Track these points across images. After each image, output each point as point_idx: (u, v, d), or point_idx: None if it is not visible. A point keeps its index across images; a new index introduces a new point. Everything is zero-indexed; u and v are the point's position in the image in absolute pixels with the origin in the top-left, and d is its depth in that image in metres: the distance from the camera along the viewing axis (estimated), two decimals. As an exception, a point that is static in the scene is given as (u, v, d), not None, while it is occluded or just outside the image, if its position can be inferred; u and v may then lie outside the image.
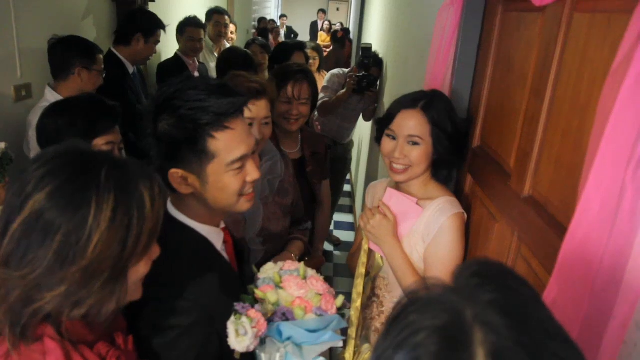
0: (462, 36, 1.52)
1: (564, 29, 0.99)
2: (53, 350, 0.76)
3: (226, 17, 4.15)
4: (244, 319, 1.01)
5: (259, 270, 1.26)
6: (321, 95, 3.29)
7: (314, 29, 13.36)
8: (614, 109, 0.66)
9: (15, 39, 2.20)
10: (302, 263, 1.23)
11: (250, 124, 1.53)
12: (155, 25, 2.84)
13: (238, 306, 1.04)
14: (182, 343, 1.02)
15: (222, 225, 1.21)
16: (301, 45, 3.13)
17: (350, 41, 7.49)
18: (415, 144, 1.35)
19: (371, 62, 3.29)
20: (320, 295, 1.11)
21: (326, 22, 12.72)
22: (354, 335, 1.47)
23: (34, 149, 1.95)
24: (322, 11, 13.90)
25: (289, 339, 1.07)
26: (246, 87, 1.50)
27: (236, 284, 1.19)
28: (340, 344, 1.17)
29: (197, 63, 3.60)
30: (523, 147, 1.15)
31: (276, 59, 2.98)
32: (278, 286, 1.13)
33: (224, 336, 1.02)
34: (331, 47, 7.56)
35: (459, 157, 1.46)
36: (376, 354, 0.47)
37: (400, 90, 2.67)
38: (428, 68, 1.68)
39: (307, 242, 1.93)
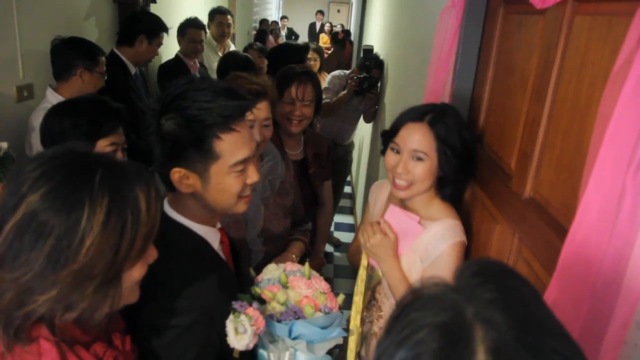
0: (463, 38, 1.52)
1: (564, 32, 1.00)
2: (48, 351, 0.76)
3: (229, 17, 4.15)
4: (242, 317, 1.02)
5: (256, 273, 1.27)
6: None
7: (312, 30, 13.40)
8: (615, 111, 0.67)
9: (18, 40, 2.21)
10: (307, 264, 1.24)
11: (251, 126, 1.53)
12: (159, 28, 2.86)
13: (236, 305, 1.05)
14: (181, 343, 1.02)
15: (219, 225, 1.21)
16: (307, 47, 3.14)
17: (351, 43, 7.51)
18: (419, 159, 1.28)
19: (372, 63, 3.30)
20: (325, 293, 1.13)
21: (327, 24, 12.75)
22: (354, 349, 1.41)
23: (35, 150, 1.95)
24: (320, 12, 13.95)
25: (296, 337, 1.08)
26: (247, 89, 1.51)
27: (234, 283, 1.20)
28: (341, 341, 1.18)
29: (198, 64, 3.61)
30: (524, 149, 1.15)
31: (283, 60, 2.92)
32: (285, 286, 1.14)
33: (223, 335, 1.02)
34: (332, 49, 7.58)
35: (467, 176, 1.38)
36: (378, 352, 0.48)
37: (401, 91, 2.68)
38: (429, 70, 1.68)
39: (308, 242, 1.94)
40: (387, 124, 3.00)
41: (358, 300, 1.40)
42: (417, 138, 1.28)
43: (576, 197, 0.77)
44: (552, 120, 1.03)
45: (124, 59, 2.80)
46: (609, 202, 0.69)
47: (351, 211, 5.07)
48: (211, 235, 1.16)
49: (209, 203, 1.09)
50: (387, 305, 1.45)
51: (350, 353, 1.38)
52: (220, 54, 4.11)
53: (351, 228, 4.68)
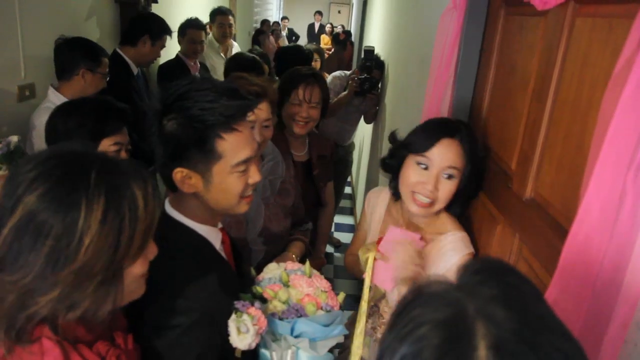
0: (464, 40, 1.52)
1: (565, 34, 1.00)
2: (51, 350, 0.76)
3: (230, 17, 4.15)
4: (244, 316, 1.02)
5: (257, 272, 1.27)
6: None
7: (311, 30, 13.42)
8: (615, 113, 0.67)
9: (20, 39, 2.21)
10: (307, 262, 1.24)
11: (252, 127, 1.54)
12: (163, 30, 2.88)
13: (238, 304, 1.05)
14: (183, 342, 1.02)
15: (220, 225, 1.22)
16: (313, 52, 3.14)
17: (352, 44, 7.52)
18: (450, 176, 1.25)
19: (373, 64, 3.30)
20: (326, 292, 1.13)
21: (328, 25, 12.77)
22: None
23: (36, 149, 1.95)
24: (319, 13, 13.98)
25: (298, 335, 1.09)
26: (247, 90, 1.51)
27: (236, 283, 1.20)
28: (342, 339, 1.18)
29: (199, 65, 3.62)
30: (525, 150, 1.16)
31: (290, 62, 2.89)
32: (286, 285, 1.15)
33: (225, 335, 1.02)
34: (333, 50, 7.58)
35: (477, 192, 1.37)
36: (381, 347, 0.48)
37: (401, 92, 2.69)
38: (431, 71, 1.69)
39: (308, 242, 1.94)
40: (388, 125, 3.02)
41: (361, 320, 1.29)
42: (451, 155, 1.24)
43: (577, 198, 0.77)
44: (553, 121, 1.04)
45: (126, 58, 2.81)
46: (610, 203, 0.69)
47: (351, 212, 5.08)
48: (213, 235, 1.16)
49: (211, 203, 1.10)
50: (388, 313, 1.44)
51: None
52: (223, 55, 4.12)
53: (351, 229, 4.68)
